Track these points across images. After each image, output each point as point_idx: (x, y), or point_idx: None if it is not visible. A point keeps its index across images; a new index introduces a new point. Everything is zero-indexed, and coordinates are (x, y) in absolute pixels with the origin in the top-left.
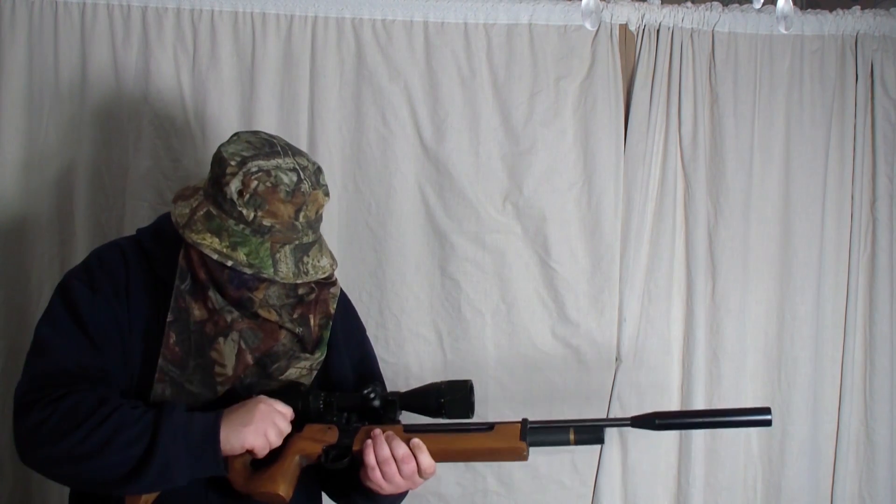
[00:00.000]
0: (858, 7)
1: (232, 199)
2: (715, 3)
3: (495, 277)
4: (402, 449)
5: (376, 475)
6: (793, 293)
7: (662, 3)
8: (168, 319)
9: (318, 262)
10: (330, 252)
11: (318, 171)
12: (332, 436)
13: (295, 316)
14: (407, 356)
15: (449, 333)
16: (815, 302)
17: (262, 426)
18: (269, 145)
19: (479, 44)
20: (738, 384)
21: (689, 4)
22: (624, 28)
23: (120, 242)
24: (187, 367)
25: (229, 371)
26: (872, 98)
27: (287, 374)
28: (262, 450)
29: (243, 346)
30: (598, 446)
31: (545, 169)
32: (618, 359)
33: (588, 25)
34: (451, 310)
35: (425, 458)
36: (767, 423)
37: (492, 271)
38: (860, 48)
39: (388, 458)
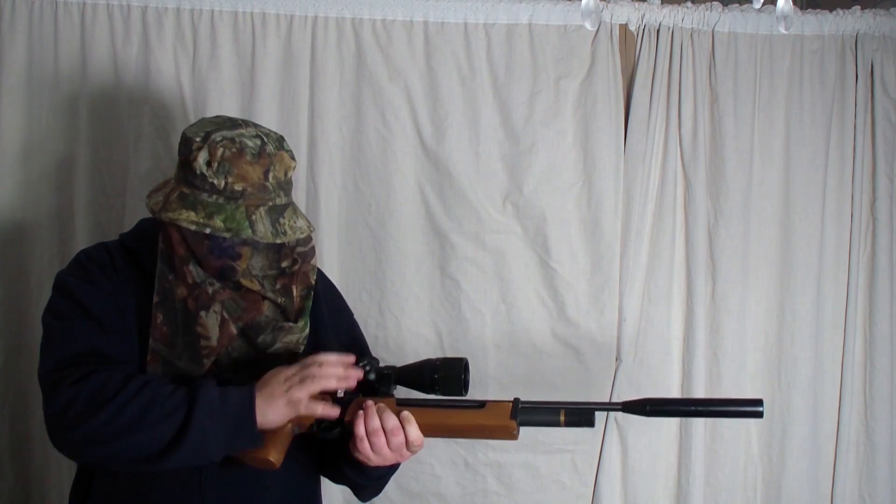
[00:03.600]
0: (858, 7)
1: (202, 173)
2: (715, 3)
3: (495, 277)
4: (391, 421)
5: (364, 446)
6: (793, 293)
7: (662, 3)
8: (154, 301)
9: (295, 223)
10: (305, 216)
11: (281, 138)
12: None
13: (277, 287)
14: (407, 356)
15: (449, 333)
16: (815, 302)
17: (295, 393)
18: (230, 121)
19: (479, 44)
20: (738, 384)
21: (689, 4)
22: (624, 28)
23: (104, 243)
24: (176, 344)
25: (214, 342)
26: (872, 98)
27: (274, 348)
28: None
29: (226, 315)
30: (598, 447)
31: (545, 169)
32: (618, 359)
33: (588, 25)
34: (451, 310)
35: (413, 431)
36: (759, 415)
37: (492, 271)
38: (860, 48)
39: (378, 429)
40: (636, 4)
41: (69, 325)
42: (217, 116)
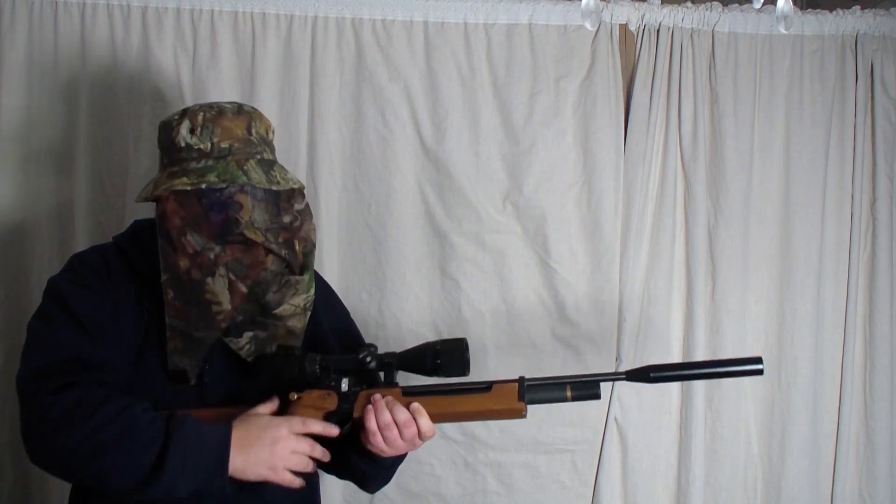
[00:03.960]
0: (858, 7)
1: (187, 144)
2: (715, 3)
3: (495, 277)
4: (403, 414)
5: (378, 440)
6: (793, 293)
7: (662, 3)
8: (162, 280)
9: (286, 175)
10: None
11: (255, 108)
12: (331, 402)
13: (280, 240)
14: None
15: (449, 333)
16: (815, 302)
17: (274, 460)
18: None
19: (479, 44)
20: (738, 384)
21: (689, 4)
22: (624, 28)
23: (97, 246)
24: (190, 316)
25: (227, 306)
26: (872, 98)
27: (281, 309)
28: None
29: (233, 277)
30: (598, 447)
31: (545, 169)
32: (618, 359)
33: (588, 25)
34: (451, 310)
35: (425, 422)
36: (759, 373)
37: (492, 271)
38: (860, 48)
39: (390, 423)
40: (636, 4)
41: (55, 331)
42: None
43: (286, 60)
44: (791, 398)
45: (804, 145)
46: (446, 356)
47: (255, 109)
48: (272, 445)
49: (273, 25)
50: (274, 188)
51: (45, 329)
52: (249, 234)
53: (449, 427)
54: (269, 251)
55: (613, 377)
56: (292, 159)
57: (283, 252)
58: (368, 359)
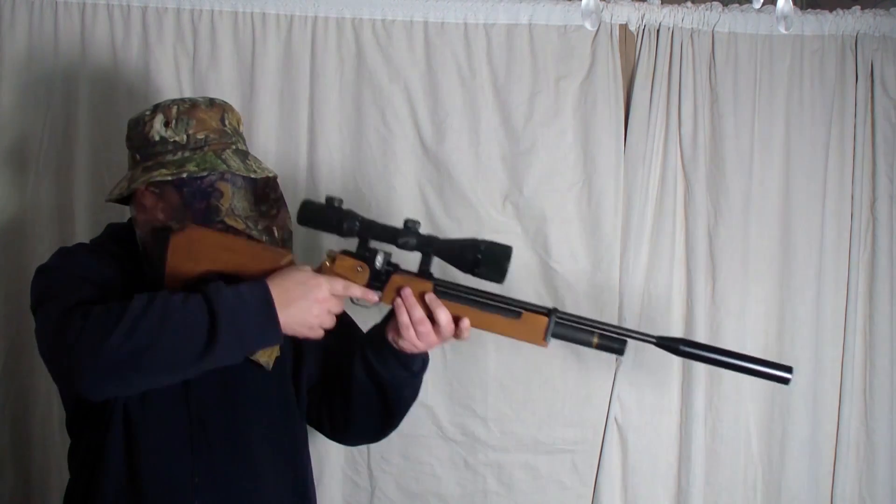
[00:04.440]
0: (858, 7)
1: (162, 137)
2: (715, 3)
3: None
4: (444, 315)
5: (410, 334)
6: (793, 293)
7: (662, 3)
8: (147, 276)
9: (261, 164)
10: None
11: (225, 101)
12: (362, 277)
13: (260, 227)
14: None
15: None
16: (815, 302)
17: (313, 319)
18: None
19: (479, 44)
20: (738, 384)
21: (689, 4)
22: (624, 28)
23: (80, 243)
24: None
25: None
26: (872, 98)
27: None
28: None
29: None
30: (598, 447)
31: (545, 169)
32: (618, 359)
33: (588, 25)
34: None
35: (465, 330)
36: (785, 382)
37: None
38: (860, 48)
39: (423, 318)
40: (636, 4)
41: (63, 286)
42: None
43: (286, 60)
44: (791, 398)
45: (804, 145)
46: (488, 258)
47: (226, 102)
48: (314, 305)
49: (273, 25)
50: (252, 176)
51: (50, 285)
52: (230, 222)
53: (449, 427)
54: (250, 238)
55: (644, 338)
56: (292, 159)
57: (264, 239)
58: (408, 236)
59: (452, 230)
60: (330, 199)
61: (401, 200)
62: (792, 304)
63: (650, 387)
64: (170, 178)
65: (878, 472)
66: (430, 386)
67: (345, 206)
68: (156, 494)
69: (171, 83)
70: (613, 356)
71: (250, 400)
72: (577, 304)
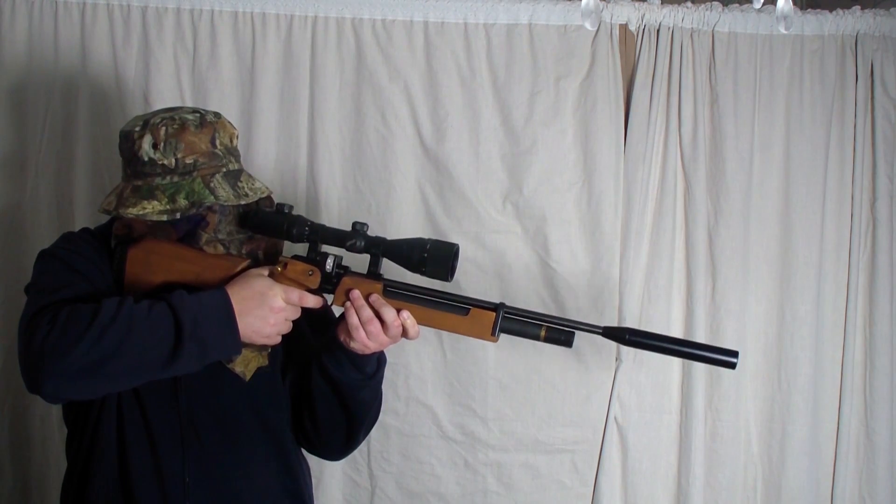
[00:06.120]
0: (858, 7)
1: (150, 159)
2: (715, 3)
3: (495, 277)
4: (390, 314)
5: (360, 334)
6: (793, 293)
7: (662, 3)
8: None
9: (253, 185)
10: (261, 181)
11: (218, 112)
12: (314, 281)
13: (244, 251)
14: (407, 356)
15: (449, 333)
16: (815, 302)
17: (270, 329)
18: (164, 108)
19: (479, 44)
20: (738, 384)
21: (689, 4)
22: (624, 28)
23: (83, 228)
24: None
25: None
26: (872, 98)
27: None
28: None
29: None
30: (598, 447)
31: (545, 169)
32: (618, 359)
33: (588, 25)
34: None
35: (412, 329)
36: (731, 366)
37: (492, 271)
38: (860, 48)
39: (372, 317)
40: (636, 4)
41: (57, 277)
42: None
43: (286, 60)
44: (791, 398)
45: (804, 145)
46: (434, 256)
47: (218, 117)
48: (270, 315)
49: (273, 25)
50: (242, 202)
51: (41, 277)
52: (209, 250)
53: (449, 427)
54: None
55: (591, 329)
56: (292, 159)
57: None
58: (356, 238)
59: (452, 230)
60: (280, 206)
61: (401, 200)
62: (792, 304)
63: (650, 387)
64: (165, 217)
65: (878, 472)
66: (430, 386)
67: (294, 212)
68: (146, 491)
69: (171, 83)
70: (613, 355)
71: (240, 400)
72: (576, 304)
